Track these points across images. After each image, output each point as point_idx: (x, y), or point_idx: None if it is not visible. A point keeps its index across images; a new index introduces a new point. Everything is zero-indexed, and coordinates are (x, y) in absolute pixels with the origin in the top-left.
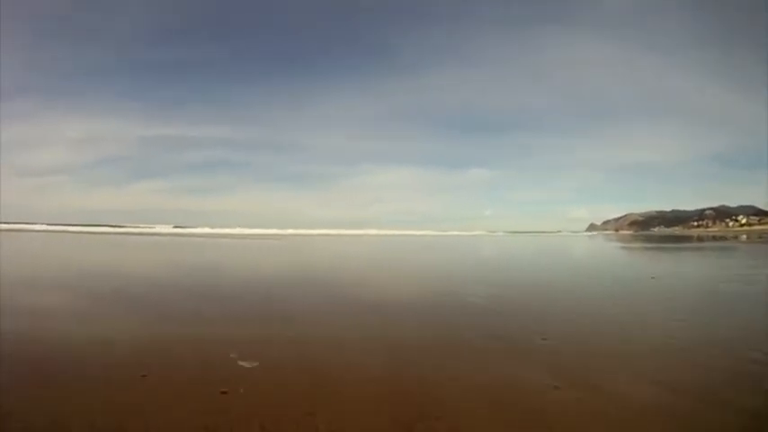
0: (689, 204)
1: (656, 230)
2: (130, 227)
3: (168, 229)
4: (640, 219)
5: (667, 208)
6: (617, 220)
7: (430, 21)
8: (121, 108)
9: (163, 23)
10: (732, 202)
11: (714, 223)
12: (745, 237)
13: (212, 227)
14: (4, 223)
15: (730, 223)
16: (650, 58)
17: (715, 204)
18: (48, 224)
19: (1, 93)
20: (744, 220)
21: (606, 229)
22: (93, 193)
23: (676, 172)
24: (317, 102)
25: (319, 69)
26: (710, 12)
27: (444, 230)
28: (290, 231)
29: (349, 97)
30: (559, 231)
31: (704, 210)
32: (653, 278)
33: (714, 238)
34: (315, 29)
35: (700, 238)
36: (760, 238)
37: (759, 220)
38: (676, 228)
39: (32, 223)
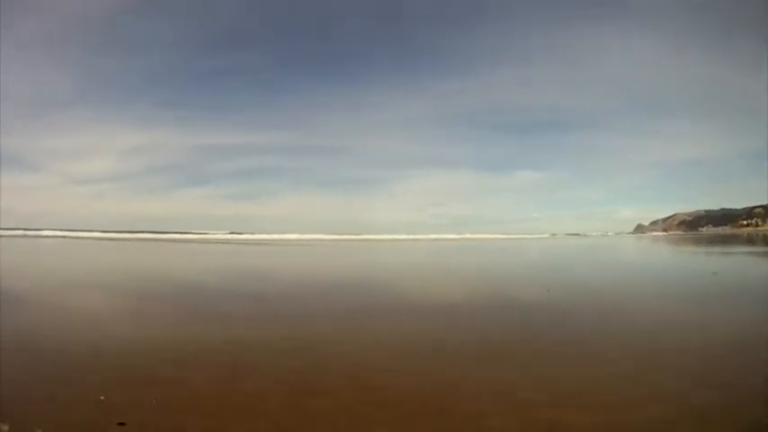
0: (737, 202)
1: (705, 230)
2: (185, 233)
3: (224, 235)
4: (688, 218)
5: (715, 207)
6: (665, 220)
7: (476, 21)
8: (170, 117)
9: (209, 32)
10: None
11: (764, 222)
12: None
13: (268, 233)
14: (61, 230)
15: None
16: (696, 53)
17: (764, 202)
18: (102, 231)
19: (55, 105)
20: None
21: (654, 230)
22: (143, 200)
23: (723, 169)
24: (365, 106)
25: (367, 73)
26: (759, 4)
27: (492, 233)
28: (343, 237)
29: (397, 100)
30: (607, 233)
31: (753, 208)
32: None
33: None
34: (361, 33)
35: (750, 239)
36: None
37: None
38: (725, 227)
39: (87, 230)
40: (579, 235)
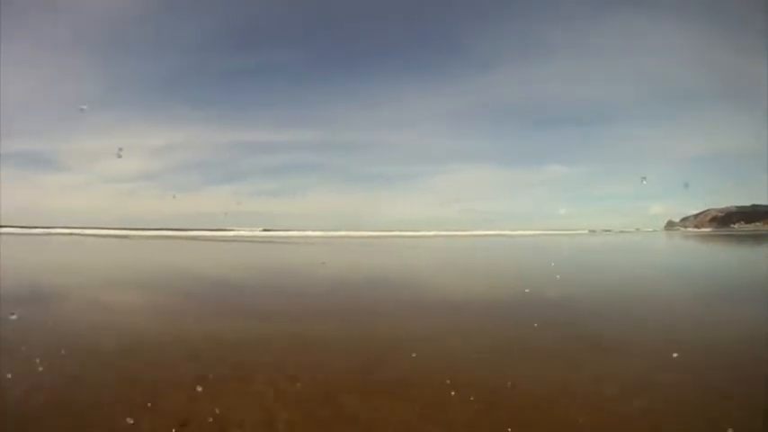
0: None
1: (737, 227)
2: (216, 230)
3: (256, 232)
4: (720, 215)
5: (747, 203)
6: (696, 216)
7: (502, 15)
8: (198, 116)
9: (236, 31)
10: None
11: None
12: None
13: (298, 230)
14: (95, 228)
15: None
16: (729, 42)
17: None
18: (134, 229)
19: (87, 106)
20: None
21: (685, 227)
22: (174, 198)
23: (755, 163)
24: (391, 101)
25: (393, 68)
26: None
27: (519, 230)
28: (371, 233)
29: (423, 95)
30: (637, 229)
31: None
32: None
33: None
34: (387, 28)
35: None
36: None
37: None
38: (757, 223)
39: (121, 228)
40: (611, 231)
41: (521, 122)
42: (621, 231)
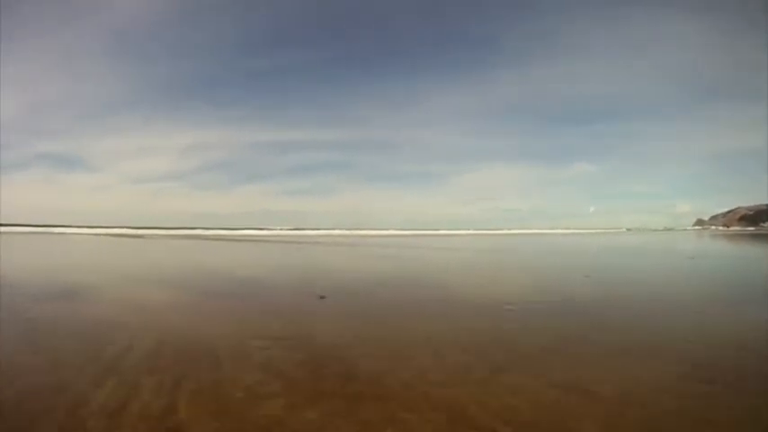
0: None
1: (766, 225)
2: (243, 229)
3: (287, 231)
4: (749, 213)
5: None
6: (725, 214)
7: (528, 13)
8: (225, 116)
9: (261, 31)
10: None
11: None
12: None
13: (331, 228)
14: (121, 228)
15: None
16: (759, 34)
17: None
18: (160, 228)
19: (114, 107)
20: None
21: (714, 225)
22: (200, 197)
23: None
24: (417, 100)
25: (419, 67)
26: None
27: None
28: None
29: (448, 93)
30: (672, 228)
31: None
32: None
33: None
34: (413, 27)
35: None
36: None
37: None
38: None
39: (149, 228)
40: (637, 230)
41: (547, 120)
42: (648, 229)
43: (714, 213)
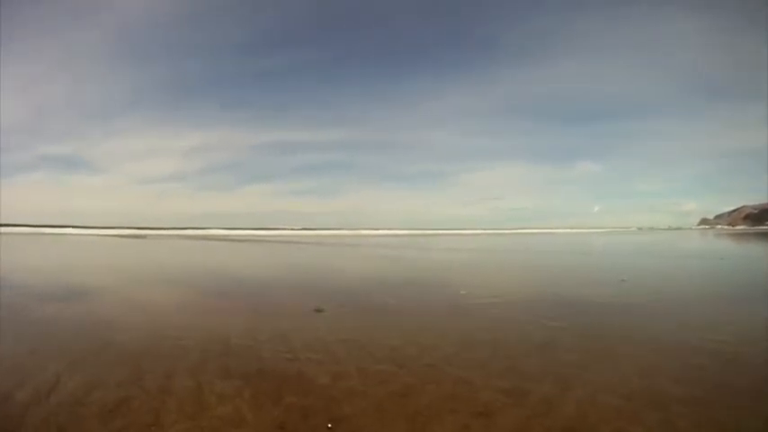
0: None
1: None
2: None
3: (290, 231)
4: (754, 212)
5: None
6: (730, 213)
7: (534, 13)
8: (231, 117)
9: (267, 33)
10: None
11: None
12: None
13: (336, 228)
14: (124, 229)
15: None
16: (761, 36)
17: None
18: (164, 228)
19: (121, 109)
20: None
21: (719, 224)
22: (205, 198)
23: None
24: (425, 100)
25: (426, 67)
26: None
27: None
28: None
29: (455, 94)
30: (679, 227)
31: None
32: None
33: None
34: (420, 28)
35: None
36: None
37: None
38: None
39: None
40: (652, 229)
41: (553, 120)
42: (657, 228)
43: (719, 212)
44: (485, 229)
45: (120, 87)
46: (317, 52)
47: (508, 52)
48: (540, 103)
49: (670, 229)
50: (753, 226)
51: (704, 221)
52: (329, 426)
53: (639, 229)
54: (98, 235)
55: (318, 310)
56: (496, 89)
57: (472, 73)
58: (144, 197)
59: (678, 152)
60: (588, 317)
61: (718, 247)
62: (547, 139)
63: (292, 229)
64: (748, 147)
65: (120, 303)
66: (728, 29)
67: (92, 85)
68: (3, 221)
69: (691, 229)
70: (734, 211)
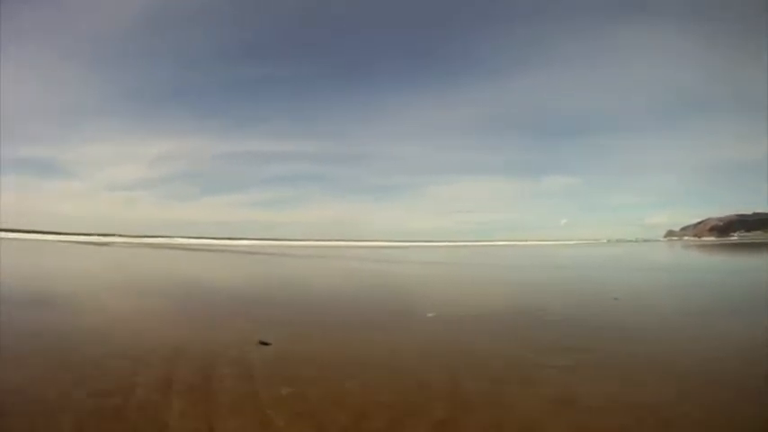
0: None
1: (737, 236)
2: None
3: (259, 242)
4: (720, 224)
5: (748, 211)
6: (695, 225)
7: (503, 27)
8: (200, 126)
9: (236, 43)
10: None
11: None
12: None
13: (305, 239)
14: (94, 235)
15: None
16: (729, 50)
17: None
18: (132, 236)
19: (91, 114)
20: None
21: (685, 236)
22: (174, 206)
23: (756, 171)
24: (393, 113)
25: (394, 80)
26: None
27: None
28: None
29: (424, 107)
30: (647, 240)
31: None
32: None
33: None
34: (388, 41)
35: None
36: None
37: None
38: (757, 232)
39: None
40: (621, 241)
41: (522, 133)
42: (620, 240)
43: (684, 225)
44: (453, 242)
45: (91, 93)
46: (290, 63)
47: (482, 65)
48: (510, 116)
49: (638, 241)
50: (719, 237)
51: (670, 233)
52: None
53: (609, 241)
54: (62, 241)
55: (263, 343)
56: (469, 102)
57: (446, 86)
58: (112, 204)
59: (645, 166)
60: (596, 352)
61: (698, 260)
62: (516, 153)
63: (259, 240)
64: (714, 161)
65: None
66: (700, 44)
67: (63, 90)
68: None
69: (658, 241)
70: (699, 223)
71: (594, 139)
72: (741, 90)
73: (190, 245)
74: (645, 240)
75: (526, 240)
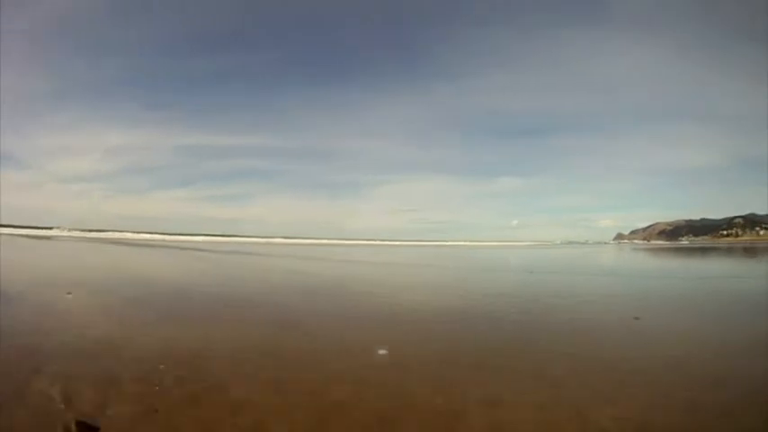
0: (717, 213)
1: (685, 240)
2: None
3: (210, 238)
4: (668, 228)
5: (695, 216)
6: (644, 229)
7: (467, 27)
8: (155, 117)
9: (196, 34)
10: (761, 209)
11: (744, 232)
12: None
13: (251, 236)
14: (42, 228)
15: (761, 232)
16: (679, 61)
17: (744, 212)
18: (87, 230)
19: (46, 105)
20: None
21: (634, 239)
22: (122, 199)
23: (704, 178)
24: (352, 110)
25: (353, 78)
26: (748, 14)
27: (473, 241)
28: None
29: (384, 104)
30: (599, 242)
31: (733, 218)
32: None
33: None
34: (352, 36)
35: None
36: None
37: None
38: (705, 237)
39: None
40: (575, 243)
41: (479, 133)
42: (571, 242)
43: (633, 228)
44: (404, 241)
45: (45, 82)
46: (245, 57)
47: (440, 65)
48: (468, 117)
49: (588, 243)
50: (667, 241)
51: (620, 236)
52: None
53: (562, 243)
54: (5, 234)
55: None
56: (426, 102)
57: (402, 85)
58: (61, 196)
59: (597, 170)
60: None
61: (687, 264)
62: (471, 154)
63: (209, 235)
64: (664, 168)
65: None
66: (655, 53)
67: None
68: None
69: (607, 243)
70: (649, 227)
71: (547, 141)
72: (693, 99)
73: (135, 240)
74: (597, 243)
75: (478, 241)
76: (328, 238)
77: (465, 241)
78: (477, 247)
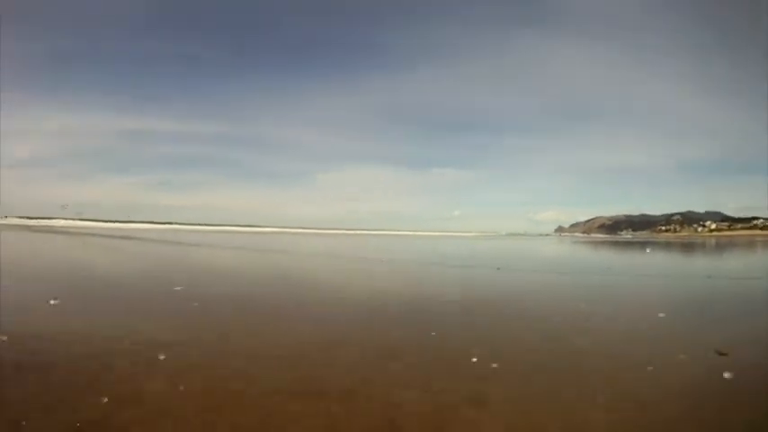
0: (656, 209)
1: (624, 234)
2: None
3: (153, 225)
4: (608, 222)
5: (635, 212)
6: (585, 223)
7: (408, 20)
8: (100, 101)
9: (140, 17)
10: (699, 207)
11: (682, 228)
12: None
13: (193, 223)
14: None
15: (699, 229)
16: (624, 64)
17: (682, 210)
18: (28, 218)
19: None
20: (713, 226)
21: (574, 232)
22: (69, 185)
23: (643, 177)
24: (294, 99)
25: (297, 68)
26: (693, 20)
27: (414, 231)
28: (272, 230)
29: (326, 95)
30: (541, 234)
31: (672, 215)
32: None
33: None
34: (293, 27)
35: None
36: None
37: (729, 226)
38: (644, 231)
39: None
40: (499, 236)
41: (419, 126)
42: (513, 234)
43: (574, 222)
44: (345, 230)
45: None
46: (198, 44)
47: (381, 57)
48: (406, 109)
49: (528, 234)
50: (607, 235)
51: (560, 229)
52: None
53: (507, 234)
54: None
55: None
56: (366, 93)
57: (344, 75)
58: (6, 182)
59: (539, 166)
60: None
61: (675, 261)
62: (413, 145)
63: (153, 223)
64: (602, 165)
65: None
66: (593, 54)
67: None
68: None
69: (548, 235)
70: (589, 220)
71: (486, 136)
72: (630, 99)
73: (73, 227)
74: (540, 235)
75: (420, 231)
76: (272, 227)
77: (408, 231)
78: (420, 237)
